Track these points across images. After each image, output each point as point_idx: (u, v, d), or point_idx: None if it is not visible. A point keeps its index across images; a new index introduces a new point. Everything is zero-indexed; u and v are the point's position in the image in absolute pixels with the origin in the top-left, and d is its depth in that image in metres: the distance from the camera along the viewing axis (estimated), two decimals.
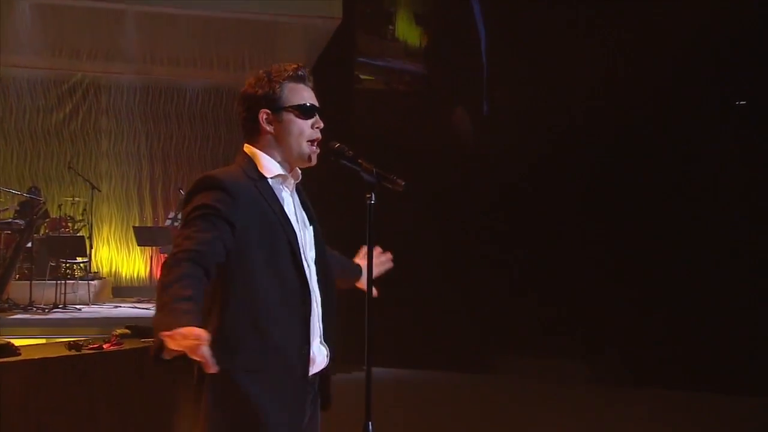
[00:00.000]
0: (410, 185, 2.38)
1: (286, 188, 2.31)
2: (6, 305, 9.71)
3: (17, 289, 10.18)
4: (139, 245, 11.94)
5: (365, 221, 2.34)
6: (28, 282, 9.96)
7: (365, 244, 2.38)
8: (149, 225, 12.36)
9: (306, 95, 2.31)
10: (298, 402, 2.24)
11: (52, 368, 4.47)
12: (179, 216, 10.67)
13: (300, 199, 2.36)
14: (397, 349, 9.46)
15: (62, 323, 9.26)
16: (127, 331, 5.35)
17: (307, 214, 2.35)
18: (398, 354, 9.45)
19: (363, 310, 2.38)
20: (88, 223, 11.84)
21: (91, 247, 11.63)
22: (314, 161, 2.31)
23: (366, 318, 2.31)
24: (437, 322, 9.77)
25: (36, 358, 4.44)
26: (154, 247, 12.00)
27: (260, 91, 2.27)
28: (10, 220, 10.23)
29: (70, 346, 4.82)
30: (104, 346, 4.79)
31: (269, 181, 2.27)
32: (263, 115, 2.27)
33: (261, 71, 2.31)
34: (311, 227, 2.35)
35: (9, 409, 4.36)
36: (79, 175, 12.16)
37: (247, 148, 2.31)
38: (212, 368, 1.82)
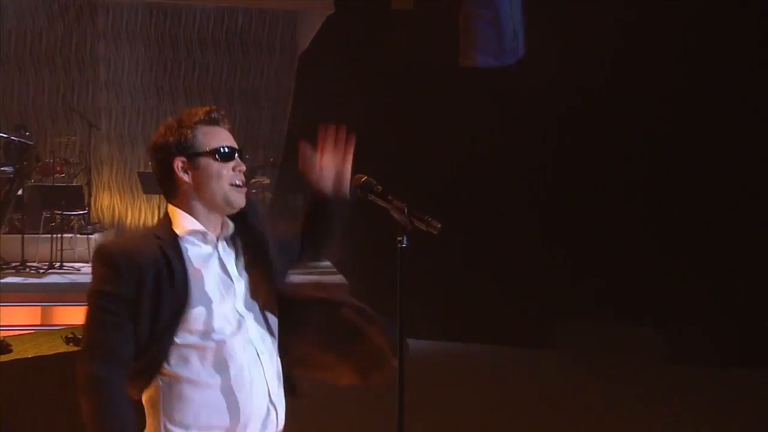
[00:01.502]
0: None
1: (204, 243, 2.33)
2: None
3: (8, 244, 10.04)
4: (144, 193, 11.84)
5: (395, 267, 2.38)
6: (20, 236, 9.78)
7: (396, 294, 2.37)
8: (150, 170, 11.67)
9: (223, 137, 2.34)
10: None
11: (48, 367, 4.69)
12: None
13: (235, 247, 2.39)
14: (459, 321, 9.84)
15: (59, 289, 9.16)
16: None
17: (246, 258, 2.41)
18: (461, 326, 9.78)
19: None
20: (86, 167, 11.66)
21: (90, 195, 11.48)
22: (242, 204, 2.34)
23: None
24: (497, 294, 9.68)
25: (30, 357, 4.72)
26: (161, 196, 11.36)
27: (171, 139, 2.31)
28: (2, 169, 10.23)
29: (67, 339, 5.00)
30: None
31: (180, 238, 2.31)
32: (178, 163, 2.29)
33: (170, 119, 2.40)
34: (251, 273, 2.40)
35: (2, 410, 4.54)
36: (74, 110, 12.03)
37: (169, 208, 2.37)
38: None
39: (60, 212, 10.18)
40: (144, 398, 2.28)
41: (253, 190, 11.32)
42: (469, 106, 9.98)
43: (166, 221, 2.32)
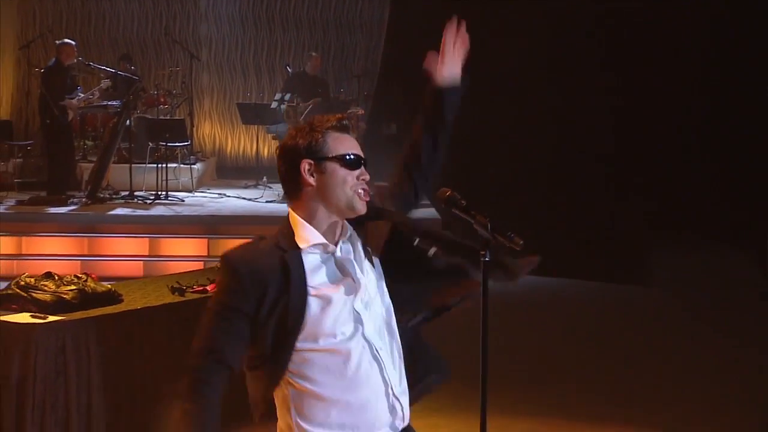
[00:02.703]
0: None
1: (325, 253, 2.40)
2: (107, 193, 10.15)
3: (117, 173, 10.53)
4: (243, 123, 12.13)
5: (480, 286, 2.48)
6: (128, 166, 10.27)
7: (481, 321, 2.44)
8: (254, 101, 12.46)
9: (351, 145, 2.39)
10: None
11: (156, 318, 4.91)
12: (286, 97, 10.97)
13: (353, 247, 2.43)
14: (551, 258, 9.92)
15: (165, 221, 9.71)
16: None
17: (364, 256, 2.44)
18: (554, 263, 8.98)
19: None
20: (188, 98, 11.96)
21: (192, 126, 11.78)
22: (364, 210, 2.37)
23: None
24: (585, 230, 10.00)
25: (138, 308, 4.91)
26: (261, 125, 12.20)
27: (302, 142, 2.38)
28: (105, 102, 10.55)
29: (173, 289, 5.20)
30: (208, 288, 5.12)
31: (302, 251, 2.37)
32: (305, 165, 2.34)
33: (302, 122, 2.58)
34: (374, 270, 2.44)
35: (109, 361, 4.70)
36: (176, 41, 12.28)
37: (290, 215, 2.43)
38: None
39: (164, 143, 10.63)
40: (275, 395, 2.39)
41: (346, 121, 11.43)
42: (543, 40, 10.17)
43: (289, 232, 2.39)
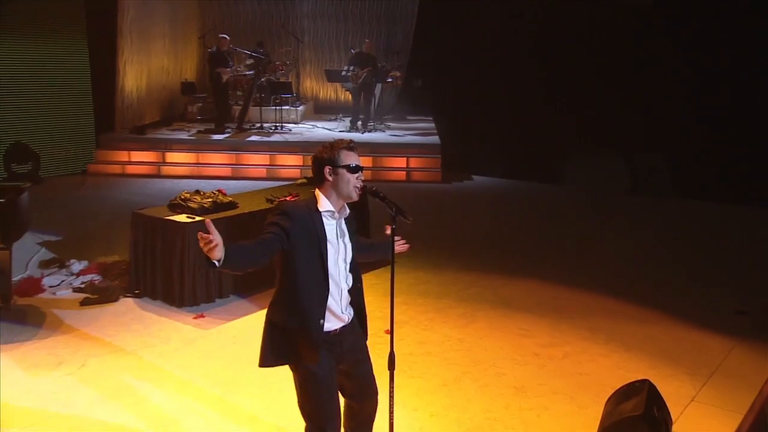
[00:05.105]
0: None
1: (332, 219, 2.82)
2: (247, 126, 12.22)
3: (254, 112, 12.52)
4: (328, 81, 13.95)
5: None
6: (259, 108, 12.39)
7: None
8: (334, 68, 13.87)
9: (354, 158, 2.81)
10: (312, 347, 2.81)
11: (255, 218, 5.71)
12: (351, 68, 12.50)
13: (346, 226, 2.88)
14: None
15: (279, 143, 11.54)
16: (305, 180, 7.19)
17: (349, 235, 2.88)
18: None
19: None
20: (296, 66, 13.96)
21: (298, 84, 13.82)
22: (356, 199, 2.81)
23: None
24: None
25: (245, 212, 5.86)
26: (338, 83, 13.78)
27: (326, 155, 2.82)
28: (247, 72, 12.46)
29: (267, 200, 6.12)
30: (287, 199, 6.07)
31: (321, 213, 2.80)
32: (327, 169, 2.79)
33: (327, 143, 2.89)
34: (350, 243, 2.89)
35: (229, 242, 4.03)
36: (288, 32, 14.26)
37: (316, 192, 2.84)
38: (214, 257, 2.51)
39: (280, 95, 12.67)
40: (278, 279, 2.86)
41: (389, 80, 13.07)
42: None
43: (314, 201, 2.84)
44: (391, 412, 3.08)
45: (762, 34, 9.60)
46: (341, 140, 2.87)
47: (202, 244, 2.46)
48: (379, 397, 3.10)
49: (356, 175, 2.79)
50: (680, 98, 10.45)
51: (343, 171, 2.80)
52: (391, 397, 3.07)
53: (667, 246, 7.94)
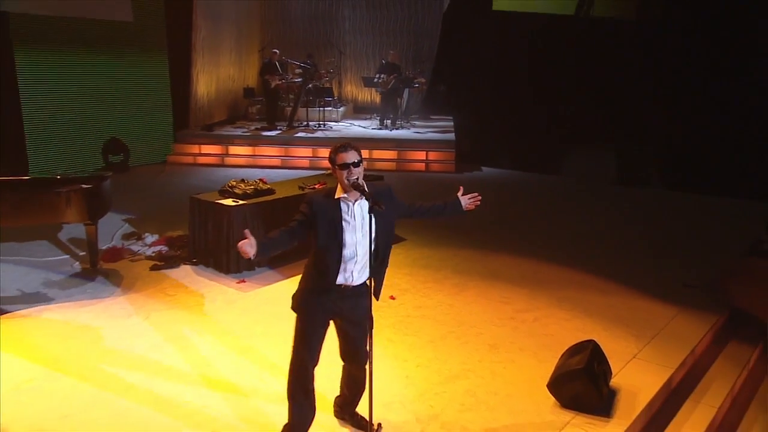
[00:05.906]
0: None
1: (345, 203, 2.89)
2: (296, 124, 12.12)
3: (301, 111, 12.39)
4: (364, 86, 13.87)
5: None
6: (305, 109, 12.26)
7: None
8: (369, 75, 13.40)
9: (344, 157, 2.85)
10: (329, 302, 2.97)
11: (289, 203, 5.56)
12: (381, 76, 12.31)
13: (367, 207, 2.83)
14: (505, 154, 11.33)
15: (319, 139, 11.31)
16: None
17: (375, 214, 2.79)
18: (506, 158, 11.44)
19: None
20: (338, 73, 13.86)
21: (339, 88, 13.74)
22: (350, 189, 2.87)
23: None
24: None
25: (280, 197, 5.79)
26: (373, 88, 13.40)
27: (331, 156, 2.93)
28: (296, 80, 12.34)
29: (299, 187, 6.06)
30: (316, 186, 6.01)
31: (338, 199, 2.90)
32: (332, 166, 2.92)
33: (334, 145, 2.94)
34: (374, 218, 2.79)
35: (263, 225, 5.29)
36: (333, 45, 14.03)
37: (334, 181, 2.95)
38: (248, 256, 2.70)
39: (323, 98, 12.58)
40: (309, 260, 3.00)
41: (416, 85, 12.73)
42: None
43: (333, 190, 2.95)
44: (369, 387, 3.05)
45: (747, 29, 9.34)
46: (340, 144, 2.94)
47: (239, 250, 2.71)
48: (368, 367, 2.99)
49: (345, 171, 2.84)
50: (657, 99, 10.31)
51: (338, 168, 2.90)
52: (370, 383, 3.02)
53: (638, 230, 7.85)
